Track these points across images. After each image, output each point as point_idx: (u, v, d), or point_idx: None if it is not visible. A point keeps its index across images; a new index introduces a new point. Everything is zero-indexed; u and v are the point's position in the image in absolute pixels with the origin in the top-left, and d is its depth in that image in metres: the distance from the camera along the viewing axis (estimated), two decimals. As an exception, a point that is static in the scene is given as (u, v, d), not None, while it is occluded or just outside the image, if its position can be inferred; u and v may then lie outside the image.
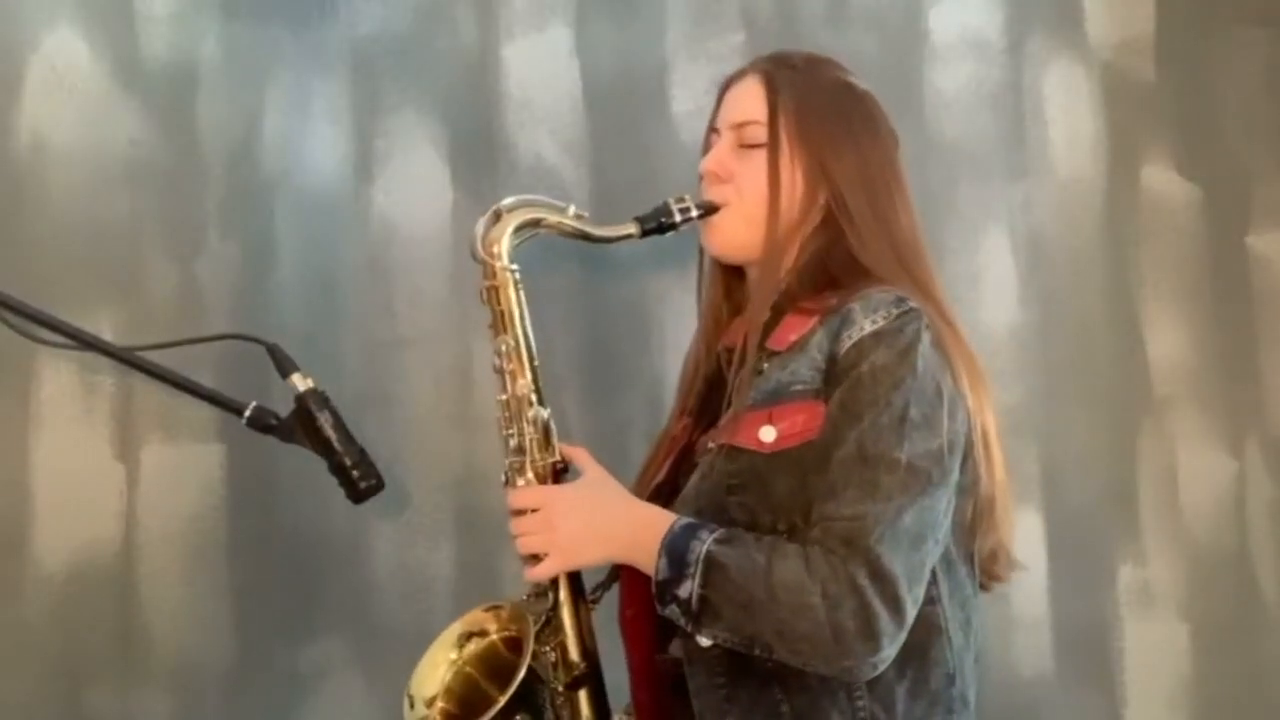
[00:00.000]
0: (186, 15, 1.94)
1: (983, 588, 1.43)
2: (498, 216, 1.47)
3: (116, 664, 1.83)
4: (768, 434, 1.32)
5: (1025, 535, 2.14)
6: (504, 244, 1.46)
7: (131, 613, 1.84)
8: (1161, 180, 2.29)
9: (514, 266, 1.47)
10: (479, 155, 2.03)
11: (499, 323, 1.47)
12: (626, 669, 1.43)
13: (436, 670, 1.44)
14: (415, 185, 2.00)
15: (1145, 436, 2.24)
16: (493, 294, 1.47)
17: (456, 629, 1.46)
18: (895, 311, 1.30)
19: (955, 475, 1.30)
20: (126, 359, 1.40)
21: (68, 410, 1.84)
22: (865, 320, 1.30)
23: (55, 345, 1.39)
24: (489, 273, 1.46)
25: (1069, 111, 2.26)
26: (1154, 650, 2.19)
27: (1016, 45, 2.25)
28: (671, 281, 1.97)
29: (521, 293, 1.48)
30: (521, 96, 2.05)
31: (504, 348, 1.46)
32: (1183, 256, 2.29)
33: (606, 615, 1.47)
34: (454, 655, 1.45)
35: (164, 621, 1.85)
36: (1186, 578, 2.22)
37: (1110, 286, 2.25)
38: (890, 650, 1.23)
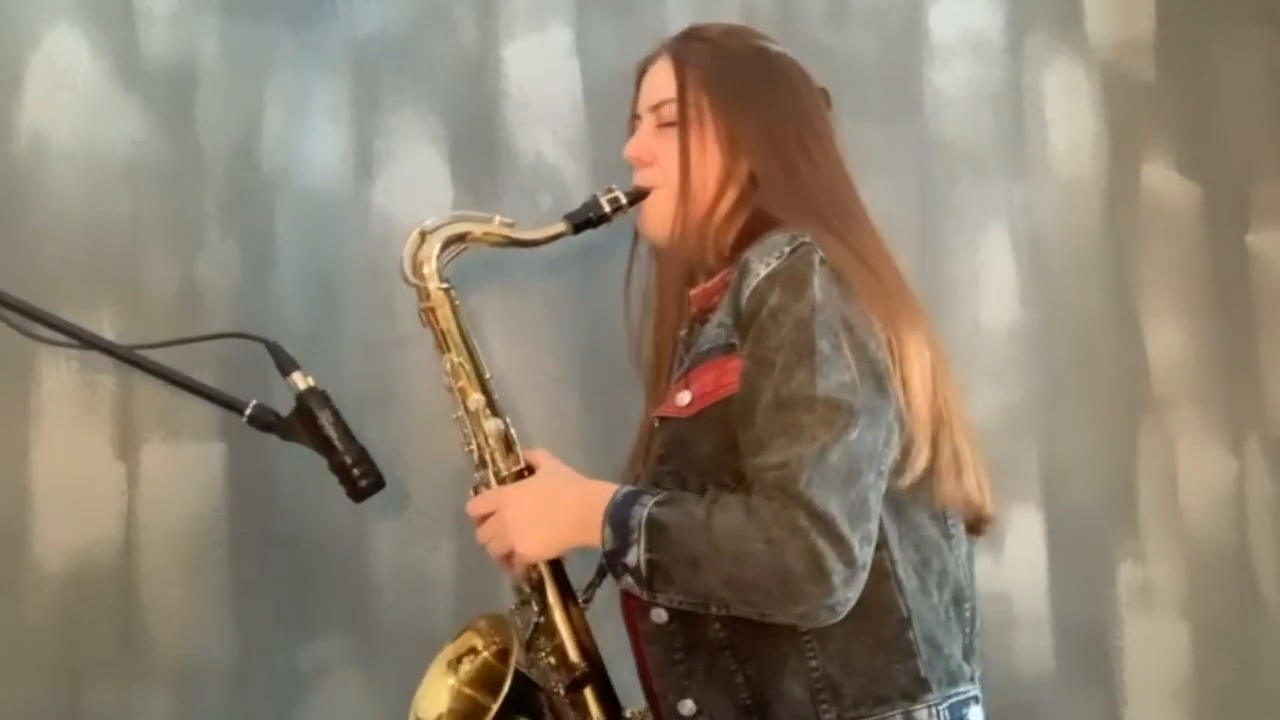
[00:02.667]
0: (186, 15, 1.94)
1: (975, 532, 1.42)
2: (422, 237, 1.50)
3: (116, 664, 1.83)
4: (684, 398, 1.32)
5: (1025, 535, 2.14)
6: (433, 263, 1.48)
7: (132, 612, 1.84)
8: (1161, 180, 2.29)
9: (445, 285, 1.49)
10: (479, 155, 2.03)
11: (441, 342, 1.50)
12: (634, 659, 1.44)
13: (439, 695, 1.45)
14: (415, 185, 2.00)
15: (1145, 436, 2.24)
16: (430, 315, 1.50)
17: (448, 654, 1.47)
18: (787, 249, 1.29)
19: (886, 401, 1.27)
20: (127, 358, 1.40)
21: (68, 410, 1.84)
22: (760, 264, 1.29)
23: (56, 344, 1.39)
24: (423, 295, 1.49)
25: (1069, 111, 2.26)
26: (1154, 650, 2.19)
27: (1016, 45, 2.25)
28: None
29: (459, 309, 1.49)
30: (521, 96, 2.05)
31: (449, 366, 1.49)
32: (1183, 256, 2.29)
33: (611, 615, 1.47)
34: (451, 680, 1.46)
35: (164, 621, 1.85)
36: (1186, 577, 2.22)
37: (1110, 286, 2.25)
38: (846, 591, 1.20)
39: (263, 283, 1.94)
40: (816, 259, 1.28)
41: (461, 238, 1.50)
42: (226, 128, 1.94)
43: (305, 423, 1.40)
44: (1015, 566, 2.11)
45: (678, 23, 2.08)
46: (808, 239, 1.29)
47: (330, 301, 1.96)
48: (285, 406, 1.41)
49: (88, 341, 1.39)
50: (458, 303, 1.49)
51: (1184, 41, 2.32)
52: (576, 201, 2.02)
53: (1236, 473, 2.27)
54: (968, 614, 1.37)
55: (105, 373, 1.85)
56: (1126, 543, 2.21)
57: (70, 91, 1.89)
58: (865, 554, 1.21)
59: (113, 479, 1.85)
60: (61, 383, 1.84)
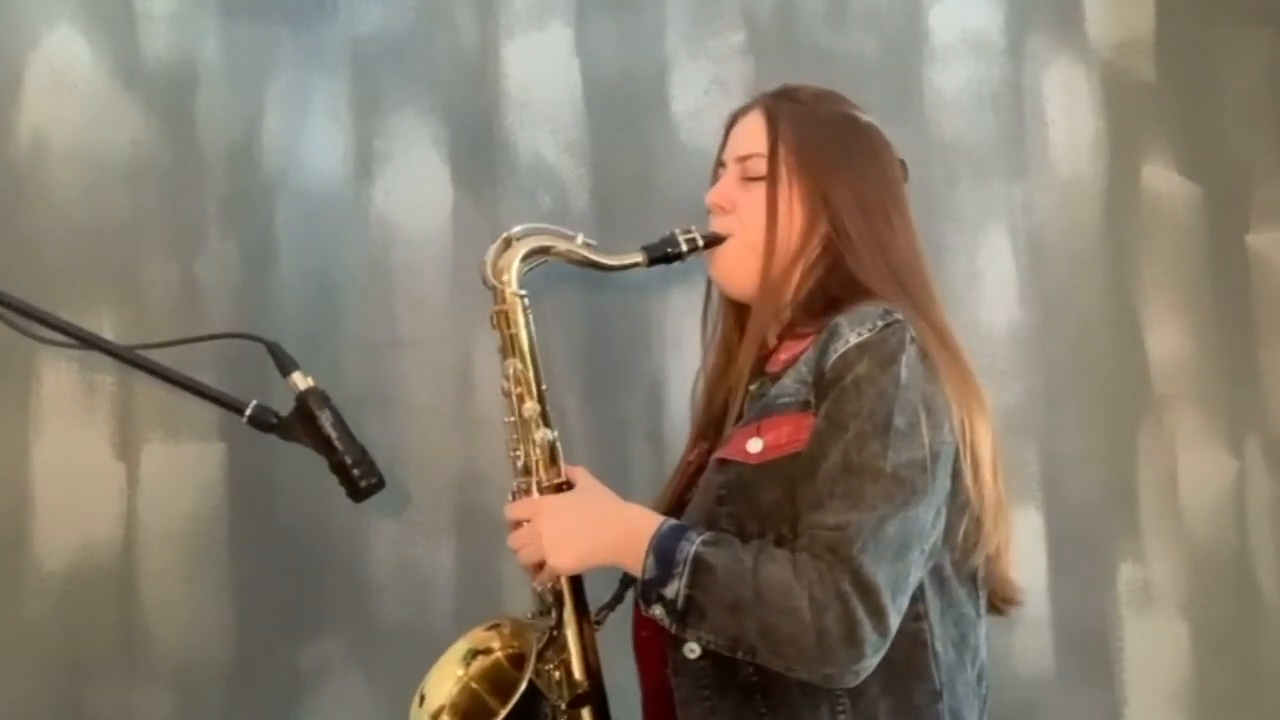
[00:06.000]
0: (186, 15, 1.94)
1: (998, 612, 1.45)
2: (508, 243, 1.52)
3: (116, 664, 1.83)
4: (755, 445, 1.33)
5: (1025, 535, 2.14)
6: (514, 270, 1.50)
7: (132, 612, 1.84)
8: (1161, 180, 2.29)
9: (523, 292, 1.51)
10: (479, 155, 2.03)
11: (508, 346, 1.51)
12: (640, 689, 1.45)
13: (445, 683, 1.46)
14: (415, 185, 2.00)
15: (1145, 436, 2.24)
16: (502, 318, 1.52)
17: (463, 646, 1.48)
18: (880, 323, 1.31)
19: (942, 485, 1.30)
20: (127, 358, 1.40)
21: (68, 410, 1.84)
22: (851, 333, 1.31)
23: (56, 344, 1.39)
24: (499, 298, 1.51)
25: (1069, 111, 2.26)
26: (1154, 650, 2.19)
27: (1016, 45, 2.25)
28: (672, 285, 1.97)
29: (530, 318, 1.51)
30: (521, 96, 2.05)
31: (512, 371, 1.50)
32: (1183, 256, 2.29)
33: (619, 636, 1.48)
34: (460, 671, 1.47)
35: (164, 621, 1.85)
36: (1186, 577, 2.22)
37: (1110, 286, 2.25)
38: (873, 659, 1.23)
39: (263, 283, 1.94)
40: (908, 336, 1.31)
41: (545, 250, 1.52)
42: (226, 128, 1.94)
43: (305, 423, 1.40)
44: (1015, 566, 2.11)
45: (677, 23, 2.10)
46: (900, 316, 1.32)
47: (330, 301, 1.96)
48: (285, 406, 1.41)
49: (88, 341, 1.39)
50: (530, 312, 1.51)
51: (1184, 41, 2.32)
52: (576, 201, 2.04)
53: (1236, 473, 2.27)
54: (984, 691, 1.40)
55: (105, 373, 1.85)
56: (1126, 543, 2.21)
57: (70, 91, 1.89)
58: (895, 625, 1.25)
59: (113, 479, 1.85)
60: (61, 383, 1.84)
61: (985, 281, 2.19)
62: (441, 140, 2.02)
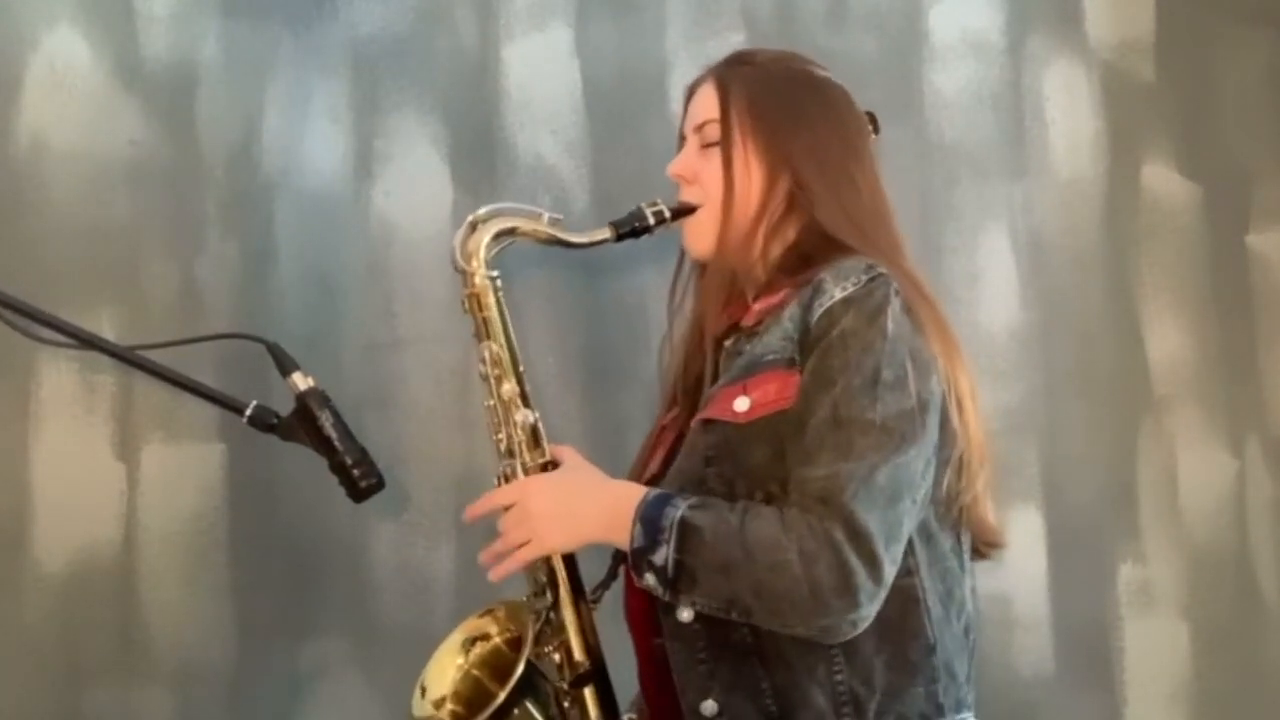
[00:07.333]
0: (186, 15, 1.94)
1: (981, 556, 1.45)
2: (473, 227, 1.52)
3: (116, 664, 1.83)
4: (742, 404, 1.34)
5: (1025, 535, 2.14)
6: (481, 253, 1.50)
7: (131, 613, 1.84)
8: (1161, 180, 2.29)
9: (493, 274, 1.51)
10: (479, 155, 2.03)
11: (481, 330, 1.51)
12: (635, 658, 1.44)
13: (446, 673, 1.46)
14: (415, 185, 2.00)
15: (1145, 436, 2.24)
16: (474, 301, 1.52)
17: (458, 637, 1.48)
18: (865, 278, 1.32)
19: (932, 434, 1.30)
20: (127, 358, 1.40)
21: (68, 410, 1.84)
22: (835, 288, 1.32)
23: (56, 344, 1.39)
24: (469, 281, 1.51)
25: (1069, 111, 2.26)
26: (1154, 650, 2.19)
27: (1016, 45, 2.25)
28: (668, 281, 1.96)
29: (502, 298, 1.51)
30: (521, 96, 2.05)
31: (487, 354, 1.51)
32: (1183, 256, 2.29)
33: (614, 611, 1.47)
34: (460, 660, 1.47)
35: (164, 621, 1.85)
36: (1186, 578, 2.22)
37: (1110, 286, 2.25)
38: (869, 608, 1.23)
39: (263, 283, 1.94)
40: (892, 290, 1.32)
41: (511, 231, 1.52)
42: (226, 128, 1.94)
43: (305, 423, 1.40)
44: (1015, 567, 2.11)
45: (677, 24, 2.10)
46: (884, 270, 1.33)
47: (330, 302, 1.96)
48: (285, 407, 1.41)
49: (88, 341, 1.39)
50: (501, 293, 1.51)
51: (1184, 41, 2.32)
52: (576, 201, 2.04)
53: (1236, 473, 2.27)
54: (971, 643, 1.40)
55: (105, 373, 1.85)
56: (1126, 543, 2.21)
57: (70, 92, 1.89)
58: (890, 575, 1.25)
59: (113, 479, 1.85)
60: (61, 383, 1.84)
61: (985, 281, 2.19)
62: (441, 140, 2.02)
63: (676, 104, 2.08)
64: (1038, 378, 2.19)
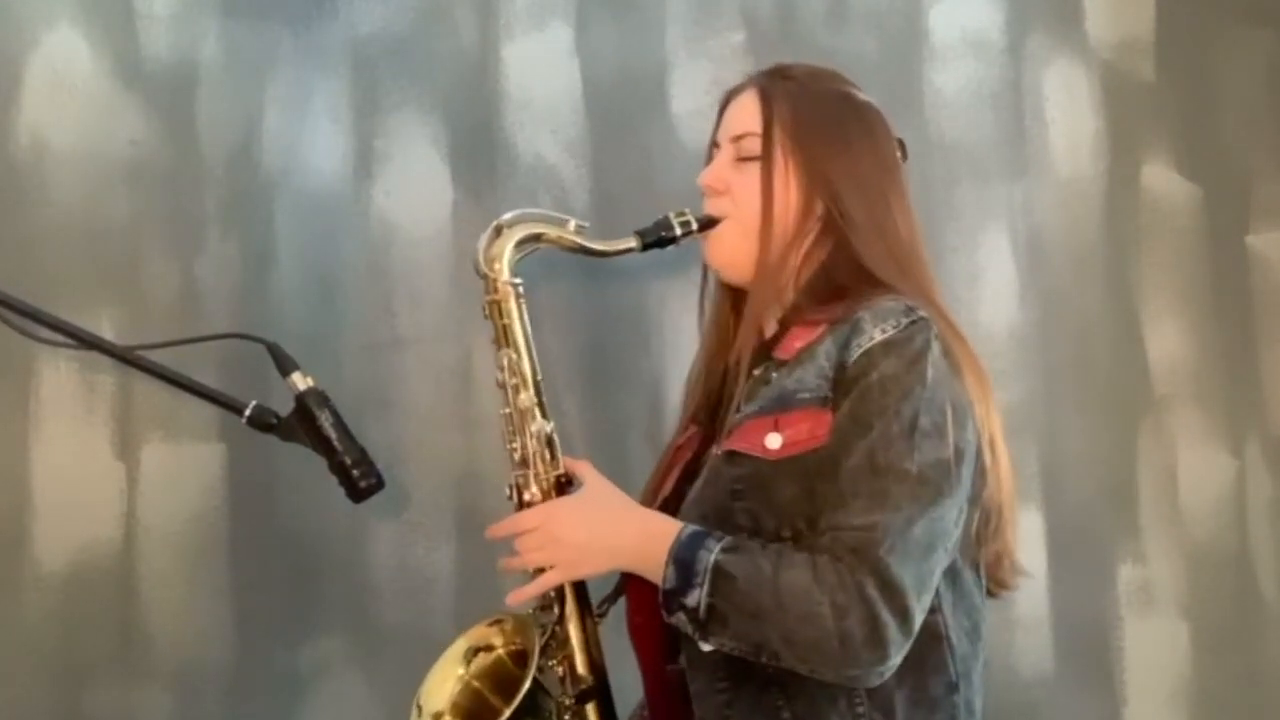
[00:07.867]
0: (186, 15, 1.94)
1: (991, 595, 1.44)
2: (499, 232, 1.50)
3: (116, 664, 1.83)
4: (773, 440, 1.32)
5: (1025, 535, 2.13)
6: (505, 259, 1.48)
7: (131, 613, 1.84)
8: (1161, 180, 2.29)
9: (516, 280, 1.49)
10: (479, 155, 2.03)
11: (501, 337, 1.49)
12: (640, 676, 1.44)
13: (444, 685, 1.46)
14: (415, 185, 2.00)
15: (1145, 436, 2.24)
16: (495, 308, 1.49)
17: (462, 644, 1.47)
18: (905, 320, 1.31)
19: (965, 485, 1.30)
20: (127, 358, 1.40)
21: (68, 410, 1.84)
22: (874, 329, 1.30)
23: (56, 344, 1.39)
24: (491, 287, 1.49)
25: (1069, 111, 2.26)
26: (1154, 650, 2.19)
27: (1016, 45, 2.25)
28: (671, 284, 1.97)
29: (524, 306, 1.49)
30: (521, 96, 2.05)
31: (506, 361, 1.48)
32: (1183, 256, 2.29)
33: (616, 624, 1.47)
34: (461, 670, 1.46)
35: (164, 621, 1.85)
36: (1186, 578, 2.22)
37: (1110, 286, 2.25)
38: (896, 659, 1.24)
39: (263, 283, 1.94)
40: (932, 334, 1.30)
41: (537, 238, 1.49)
42: (226, 128, 1.94)
43: (305, 423, 1.40)
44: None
45: (677, 24, 2.10)
46: (925, 314, 1.32)
47: (330, 302, 1.96)
48: (285, 407, 1.41)
49: (88, 341, 1.39)
50: (524, 300, 1.49)
51: (1184, 41, 2.32)
52: (576, 201, 2.04)
53: (1236, 473, 2.27)
54: (985, 675, 1.41)
55: (105, 373, 1.85)
56: (1126, 543, 2.21)
57: (70, 91, 1.89)
58: (919, 625, 1.25)
59: (113, 479, 1.85)
60: (61, 383, 1.84)
61: (985, 281, 2.19)
62: (441, 140, 2.02)
63: (677, 104, 2.10)
64: (1037, 377, 2.19)
